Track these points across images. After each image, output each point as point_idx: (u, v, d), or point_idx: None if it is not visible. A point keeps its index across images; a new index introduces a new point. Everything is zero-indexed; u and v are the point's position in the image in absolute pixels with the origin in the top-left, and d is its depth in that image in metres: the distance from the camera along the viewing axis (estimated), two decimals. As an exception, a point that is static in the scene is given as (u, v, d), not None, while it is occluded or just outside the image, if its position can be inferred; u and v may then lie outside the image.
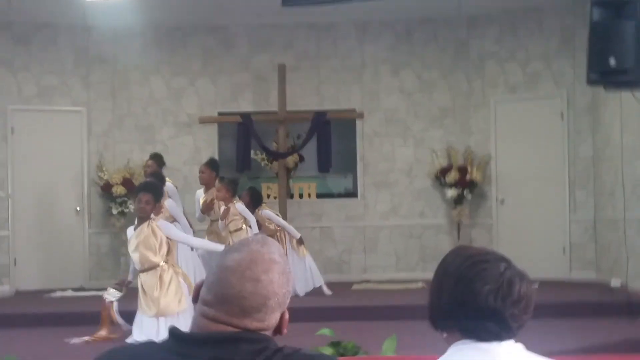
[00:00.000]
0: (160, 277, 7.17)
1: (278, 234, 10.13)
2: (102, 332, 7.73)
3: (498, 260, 2.01)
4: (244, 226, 9.63)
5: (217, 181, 10.06)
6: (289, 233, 10.18)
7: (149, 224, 7.13)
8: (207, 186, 9.99)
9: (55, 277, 11.43)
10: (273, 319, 1.85)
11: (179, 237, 7.44)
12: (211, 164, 10.13)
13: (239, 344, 1.77)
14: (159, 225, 7.17)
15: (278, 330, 1.88)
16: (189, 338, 1.81)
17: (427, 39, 12.08)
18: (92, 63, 11.98)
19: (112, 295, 7.70)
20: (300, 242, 10.19)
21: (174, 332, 1.84)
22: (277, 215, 10.35)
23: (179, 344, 1.80)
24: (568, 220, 11.09)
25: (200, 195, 10.08)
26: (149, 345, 1.87)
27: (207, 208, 9.87)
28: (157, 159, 10.24)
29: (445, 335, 2.06)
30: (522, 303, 1.97)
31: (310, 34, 12.18)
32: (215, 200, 9.77)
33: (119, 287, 7.63)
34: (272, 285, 1.83)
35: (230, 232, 9.64)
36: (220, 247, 7.61)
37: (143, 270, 7.22)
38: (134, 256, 7.23)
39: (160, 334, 7.05)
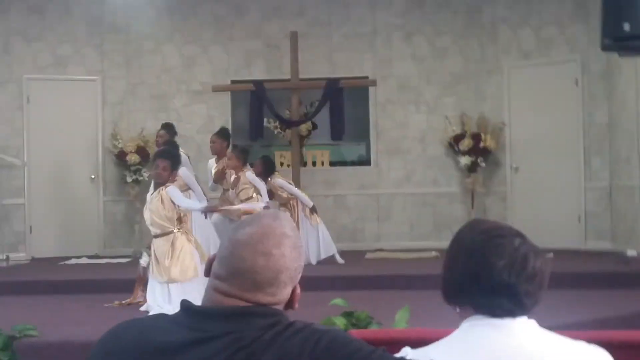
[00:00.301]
0: (173, 244, 7.23)
1: (291, 202, 10.13)
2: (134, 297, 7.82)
3: (513, 236, 2.00)
4: (254, 195, 9.65)
5: (228, 150, 10.10)
6: (301, 202, 10.18)
7: (159, 191, 7.20)
8: (219, 155, 10.04)
9: (70, 245, 11.54)
10: (285, 294, 1.87)
11: (181, 202, 7.40)
12: (222, 134, 10.16)
13: (251, 318, 1.79)
14: (168, 191, 7.21)
15: (290, 304, 1.90)
16: (201, 312, 1.83)
17: (439, 4, 12.00)
18: (106, 32, 11.98)
19: (144, 260, 7.75)
20: (313, 210, 10.19)
21: (186, 305, 1.85)
22: (290, 183, 10.33)
23: (191, 317, 1.82)
24: (583, 188, 11.02)
25: (212, 165, 10.12)
26: (161, 318, 1.89)
27: (219, 177, 9.92)
28: (169, 129, 10.29)
29: (458, 310, 2.06)
30: (537, 279, 1.97)
31: (322, 0, 12.11)
32: (227, 169, 9.81)
33: (149, 250, 7.64)
34: (284, 260, 1.84)
35: (241, 201, 9.67)
36: (197, 206, 7.65)
37: (156, 236, 7.29)
38: (148, 221, 7.30)
39: (172, 301, 7.14)
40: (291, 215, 9.80)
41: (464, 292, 2.01)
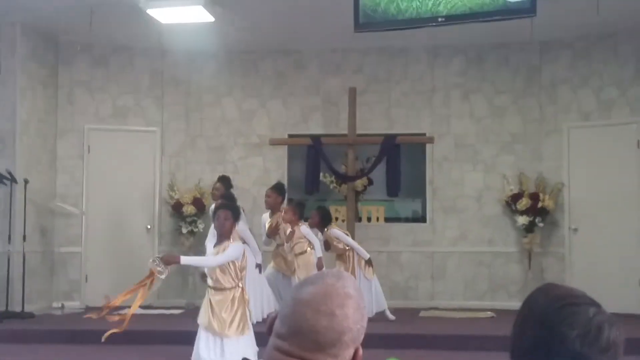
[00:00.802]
0: (233, 299, 7.24)
1: (347, 253, 10.05)
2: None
3: (588, 305, 1.94)
4: (308, 249, 9.66)
5: (284, 204, 10.13)
6: (357, 253, 10.09)
7: (226, 247, 7.20)
8: (273, 210, 10.04)
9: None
10: (347, 355, 1.82)
11: (227, 256, 7.38)
12: (277, 188, 10.19)
13: (313, 379, 1.76)
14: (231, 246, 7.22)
15: (352, 365, 1.86)
16: (262, 371, 1.80)
17: (498, 63, 11.99)
18: (167, 85, 12.19)
19: (161, 270, 7.51)
20: (369, 263, 10.08)
21: (247, 364, 1.83)
22: (347, 234, 10.25)
23: (251, 376, 1.80)
24: (643, 250, 10.80)
25: (266, 219, 10.13)
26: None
27: (273, 232, 9.91)
28: (225, 181, 10.38)
29: None
30: (611, 351, 1.90)
31: (381, 58, 12.19)
32: (281, 224, 9.81)
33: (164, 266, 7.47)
34: (347, 321, 1.80)
35: (296, 255, 9.68)
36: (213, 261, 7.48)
37: (216, 288, 7.28)
38: (208, 274, 7.28)
39: (225, 355, 7.10)
40: (346, 267, 9.78)
41: (535, 355, 1.95)
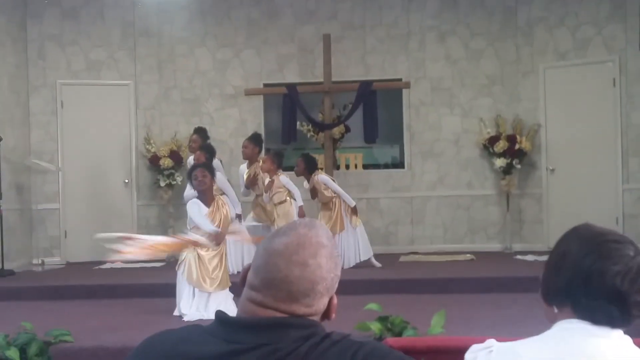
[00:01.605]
0: (221, 255, 7.35)
1: (333, 200, 10.02)
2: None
3: (629, 243, 1.94)
4: (288, 198, 9.65)
5: (260, 154, 10.10)
6: (344, 200, 10.03)
7: (221, 205, 7.40)
8: (251, 160, 10.03)
9: (104, 249, 11.52)
10: (321, 304, 1.81)
11: (196, 219, 7.45)
12: (254, 139, 10.15)
13: (287, 330, 1.74)
14: (188, 206, 7.41)
15: (326, 315, 1.85)
16: (235, 323, 1.78)
17: (473, 5, 11.90)
18: (139, 36, 12.03)
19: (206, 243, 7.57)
20: (354, 211, 10.07)
21: (220, 316, 1.81)
22: (334, 180, 10.18)
23: (225, 328, 1.78)
24: (620, 189, 10.88)
25: (244, 170, 10.12)
26: (195, 329, 1.85)
27: (251, 182, 9.92)
28: (202, 133, 10.33)
29: (555, 310, 1.99)
30: None
31: (356, 3, 12.07)
32: (260, 174, 9.80)
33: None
34: (320, 270, 1.79)
35: (275, 205, 9.66)
36: (208, 228, 7.48)
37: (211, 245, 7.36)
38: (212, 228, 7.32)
39: (208, 308, 7.16)
40: (331, 215, 9.80)
41: (569, 292, 1.94)
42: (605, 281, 1.88)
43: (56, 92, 11.69)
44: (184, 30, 12.14)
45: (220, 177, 9.00)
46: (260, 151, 10.19)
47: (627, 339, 1.94)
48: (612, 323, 1.90)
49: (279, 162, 9.78)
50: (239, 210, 9.63)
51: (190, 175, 7.54)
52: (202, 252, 7.32)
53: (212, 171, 7.62)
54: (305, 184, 10.12)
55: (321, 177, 10.01)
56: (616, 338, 1.92)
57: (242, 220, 9.71)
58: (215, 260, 7.36)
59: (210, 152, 9.67)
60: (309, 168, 10.01)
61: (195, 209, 7.42)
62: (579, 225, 2.05)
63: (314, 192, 9.99)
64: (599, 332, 1.91)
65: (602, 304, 1.89)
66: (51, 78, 11.69)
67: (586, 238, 1.96)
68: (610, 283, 1.87)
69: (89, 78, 11.85)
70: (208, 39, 12.18)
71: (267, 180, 9.72)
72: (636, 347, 1.93)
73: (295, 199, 9.63)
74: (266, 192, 9.71)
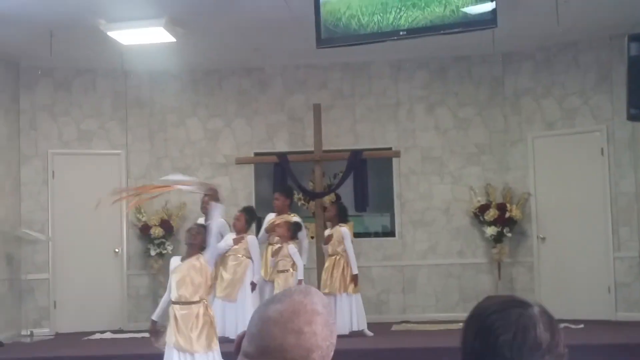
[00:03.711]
0: (197, 316, 7.21)
1: (337, 259, 10.10)
2: None
3: (515, 307, 1.91)
4: (291, 269, 9.68)
5: (281, 219, 10.15)
6: (350, 263, 10.08)
7: (198, 258, 7.22)
8: (280, 213, 10.21)
9: (94, 320, 11.46)
10: (316, 372, 1.80)
11: (211, 254, 7.44)
12: (285, 191, 10.47)
13: (282, 399, 1.72)
14: (207, 259, 7.29)
15: (322, 384, 1.83)
16: (230, 392, 1.77)
17: (461, 76, 12.06)
18: (130, 106, 12.11)
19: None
20: (354, 278, 10.10)
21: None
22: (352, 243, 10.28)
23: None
24: (612, 258, 10.85)
25: (271, 217, 10.27)
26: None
27: (272, 229, 10.10)
28: (249, 212, 10.24)
29: None
30: (542, 349, 1.86)
31: (345, 73, 12.21)
32: (276, 234, 9.94)
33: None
34: (316, 338, 1.77)
35: (278, 272, 9.70)
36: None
37: (181, 303, 7.23)
38: (175, 288, 7.24)
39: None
40: (332, 271, 9.85)
41: None
42: (497, 356, 1.85)
43: (47, 161, 11.70)
44: (175, 100, 12.24)
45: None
46: (290, 204, 10.45)
47: None
48: None
49: (294, 233, 9.92)
50: (256, 279, 9.68)
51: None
52: (178, 313, 7.25)
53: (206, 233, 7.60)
54: (327, 231, 10.30)
55: (346, 231, 10.17)
56: None
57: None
58: (189, 319, 7.24)
59: (250, 215, 9.96)
60: (340, 216, 10.27)
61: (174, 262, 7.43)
62: (476, 305, 2.02)
63: (328, 239, 10.17)
64: None
65: None
66: (42, 148, 11.72)
67: (475, 318, 1.94)
68: (501, 355, 1.85)
69: (80, 148, 11.90)
70: (199, 108, 12.28)
71: (277, 245, 9.84)
72: None
73: (297, 271, 9.67)
74: (272, 257, 9.77)
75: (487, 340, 1.84)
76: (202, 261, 7.22)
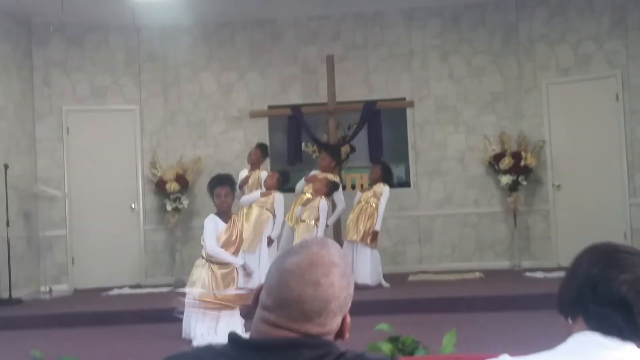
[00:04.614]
0: (233, 274, 7.38)
1: (366, 206, 10.24)
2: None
3: None
4: (313, 222, 9.86)
5: (264, 164, 10.71)
6: (375, 218, 10.20)
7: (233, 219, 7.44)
8: (253, 166, 10.53)
9: (112, 275, 11.56)
10: (335, 323, 1.81)
11: (205, 237, 7.49)
12: (262, 147, 10.73)
13: (301, 350, 1.74)
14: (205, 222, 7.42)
15: (340, 334, 1.84)
16: (249, 344, 1.78)
17: (475, 23, 11.94)
18: (143, 62, 12.09)
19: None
20: (375, 234, 10.21)
21: (233, 337, 1.81)
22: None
23: (238, 350, 1.77)
24: (628, 204, 10.84)
25: (245, 174, 10.61)
26: (209, 350, 1.84)
27: (243, 183, 10.41)
28: (263, 148, 10.76)
29: (570, 321, 2.00)
30: None
31: (357, 23, 12.12)
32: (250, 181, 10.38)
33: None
34: (333, 289, 1.78)
35: (300, 220, 10.01)
36: (234, 260, 7.54)
37: (220, 264, 7.35)
38: (231, 249, 7.37)
39: (217, 331, 7.13)
40: (357, 221, 10.15)
41: (580, 301, 1.95)
42: (612, 288, 1.88)
43: (62, 118, 11.72)
44: (188, 54, 12.20)
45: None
46: (264, 160, 10.69)
47: None
48: (621, 334, 1.90)
49: (331, 190, 10.12)
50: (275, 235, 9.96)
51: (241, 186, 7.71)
52: (216, 270, 7.32)
53: (234, 189, 7.70)
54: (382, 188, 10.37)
55: (387, 189, 10.39)
56: (629, 351, 1.91)
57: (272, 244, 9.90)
58: (229, 278, 7.37)
59: (264, 150, 10.57)
60: (385, 176, 10.43)
61: (211, 226, 7.41)
62: (596, 243, 2.06)
63: (365, 189, 10.59)
64: (611, 344, 1.90)
65: (609, 311, 1.89)
66: (57, 105, 11.74)
67: (599, 250, 1.99)
68: (617, 290, 1.88)
69: (95, 104, 11.91)
70: (212, 62, 12.24)
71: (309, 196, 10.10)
72: None
73: (318, 227, 9.78)
74: (302, 205, 10.00)
75: (608, 272, 1.90)
76: (238, 221, 7.52)
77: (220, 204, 7.44)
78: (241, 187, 10.29)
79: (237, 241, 7.50)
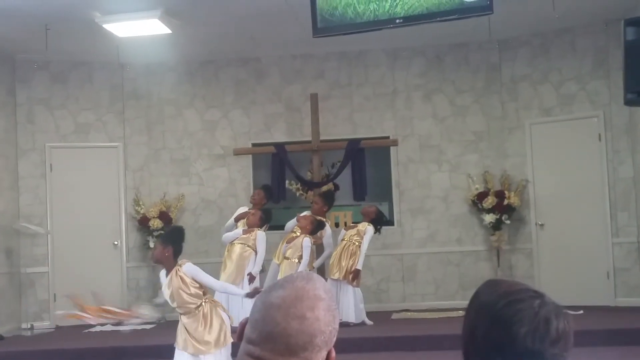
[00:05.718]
0: (203, 316, 7.12)
1: (349, 245, 10.26)
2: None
3: (532, 298, 1.92)
4: (296, 260, 9.81)
5: (253, 210, 10.36)
6: (357, 257, 10.20)
7: (177, 273, 7.01)
8: (251, 226, 10.32)
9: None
10: (320, 358, 1.79)
11: (203, 280, 7.26)
12: (266, 189, 10.82)
13: (286, 384, 1.73)
14: (185, 271, 7.03)
15: (325, 368, 1.83)
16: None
17: (458, 63, 12.05)
18: (127, 99, 12.10)
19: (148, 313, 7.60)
20: (356, 273, 10.18)
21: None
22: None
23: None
24: (610, 243, 10.88)
25: (244, 209, 10.68)
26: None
27: (240, 217, 10.51)
28: (267, 190, 10.83)
29: None
30: (561, 342, 1.88)
31: (342, 62, 12.20)
32: (248, 224, 10.15)
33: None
34: (318, 323, 1.78)
35: (284, 258, 10.05)
36: (239, 292, 7.54)
37: (183, 314, 7.17)
38: (172, 302, 7.15)
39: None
40: (340, 258, 10.16)
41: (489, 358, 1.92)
42: (518, 346, 1.86)
43: (45, 155, 11.69)
44: (172, 91, 12.23)
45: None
46: (327, 210, 10.76)
47: None
48: None
49: (316, 228, 10.10)
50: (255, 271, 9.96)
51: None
52: (184, 320, 7.17)
53: (172, 244, 7.37)
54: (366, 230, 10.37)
55: (371, 229, 10.41)
56: None
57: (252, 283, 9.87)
58: (195, 325, 7.14)
59: (267, 192, 10.70)
60: (375, 219, 10.48)
61: (199, 271, 7.26)
62: (483, 286, 2.02)
63: (350, 227, 10.63)
64: None
65: None
66: (40, 141, 11.71)
67: (490, 302, 1.94)
68: (523, 345, 1.86)
69: (78, 141, 11.88)
70: (196, 100, 12.27)
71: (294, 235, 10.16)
72: None
73: (301, 264, 9.72)
74: (287, 243, 10.04)
75: (508, 331, 1.85)
76: (181, 274, 7.03)
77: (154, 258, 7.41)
78: (237, 221, 10.39)
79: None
